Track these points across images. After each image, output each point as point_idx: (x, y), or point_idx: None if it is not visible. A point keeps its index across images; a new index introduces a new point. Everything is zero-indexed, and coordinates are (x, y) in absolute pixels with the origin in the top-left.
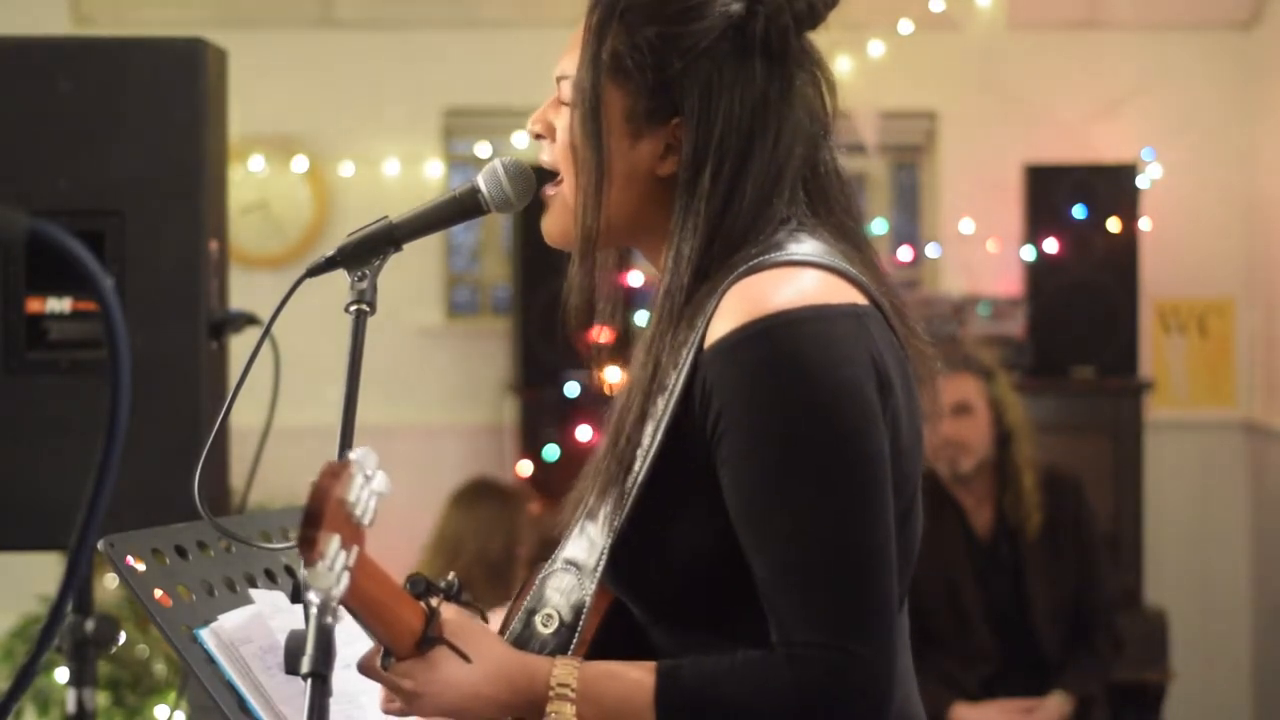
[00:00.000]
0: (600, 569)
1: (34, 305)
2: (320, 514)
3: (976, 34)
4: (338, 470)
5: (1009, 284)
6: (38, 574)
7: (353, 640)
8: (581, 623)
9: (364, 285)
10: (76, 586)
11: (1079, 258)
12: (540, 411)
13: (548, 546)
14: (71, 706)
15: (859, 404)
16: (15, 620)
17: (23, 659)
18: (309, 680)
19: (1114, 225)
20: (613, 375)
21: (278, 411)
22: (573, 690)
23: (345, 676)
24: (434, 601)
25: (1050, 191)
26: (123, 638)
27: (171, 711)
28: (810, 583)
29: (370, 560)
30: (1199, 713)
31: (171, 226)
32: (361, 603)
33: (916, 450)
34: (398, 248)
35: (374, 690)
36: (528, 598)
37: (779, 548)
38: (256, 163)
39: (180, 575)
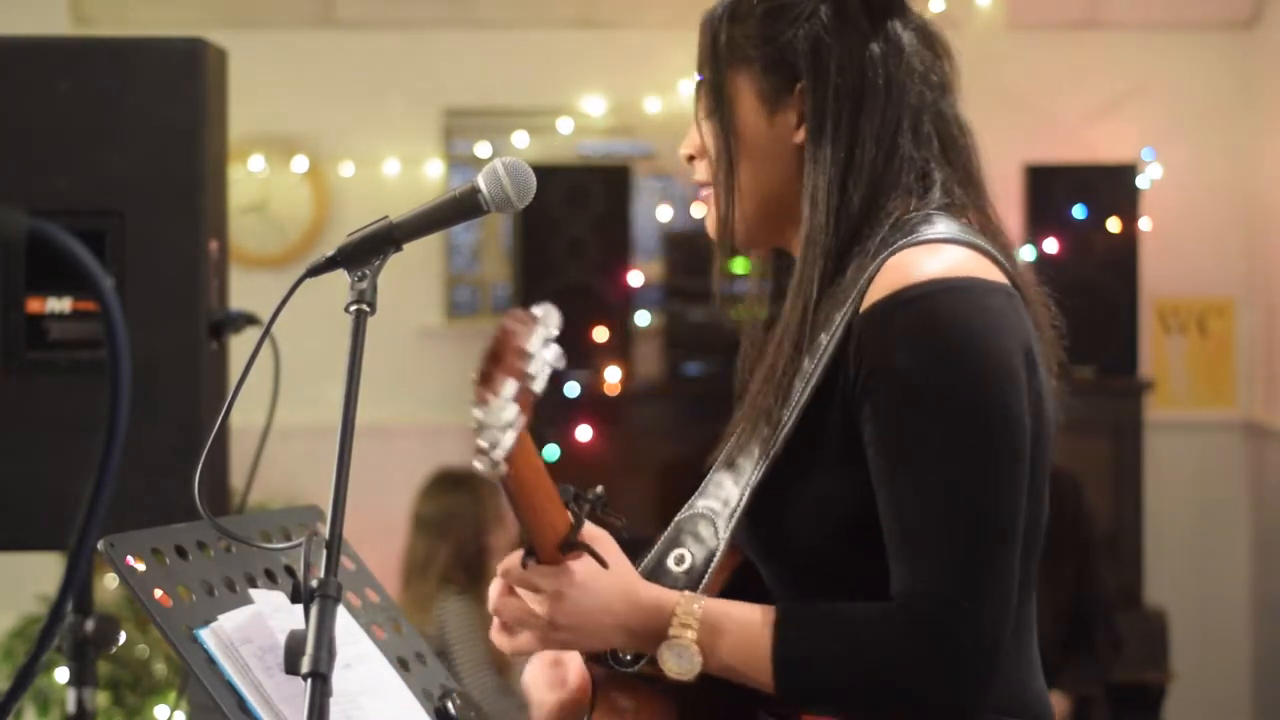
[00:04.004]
0: (735, 519)
1: (34, 305)
2: (502, 353)
3: (976, 34)
4: (525, 319)
5: None
6: (38, 574)
7: (353, 640)
8: (711, 568)
9: (364, 285)
10: (76, 586)
11: (1079, 258)
12: (540, 411)
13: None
14: (71, 706)
15: (1007, 374)
16: (15, 620)
17: (23, 659)
18: (309, 680)
19: (1114, 225)
20: (613, 374)
21: (278, 411)
22: (695, 619)
23: (345, 676)
24: (582, 509)
25: (1050, 191)
26: (123, 638)
27: (171, 711)
28: (934, 537)
29: (531, 443)
30: (1199, 713)
31: (171, 226)
32: (518, 480)
33: (1049, 435)
34: (398, 248)
35: (374, 690)
36: (662, 538)
37: (910, 501)
38: (256, 163)
39: (180, 575)
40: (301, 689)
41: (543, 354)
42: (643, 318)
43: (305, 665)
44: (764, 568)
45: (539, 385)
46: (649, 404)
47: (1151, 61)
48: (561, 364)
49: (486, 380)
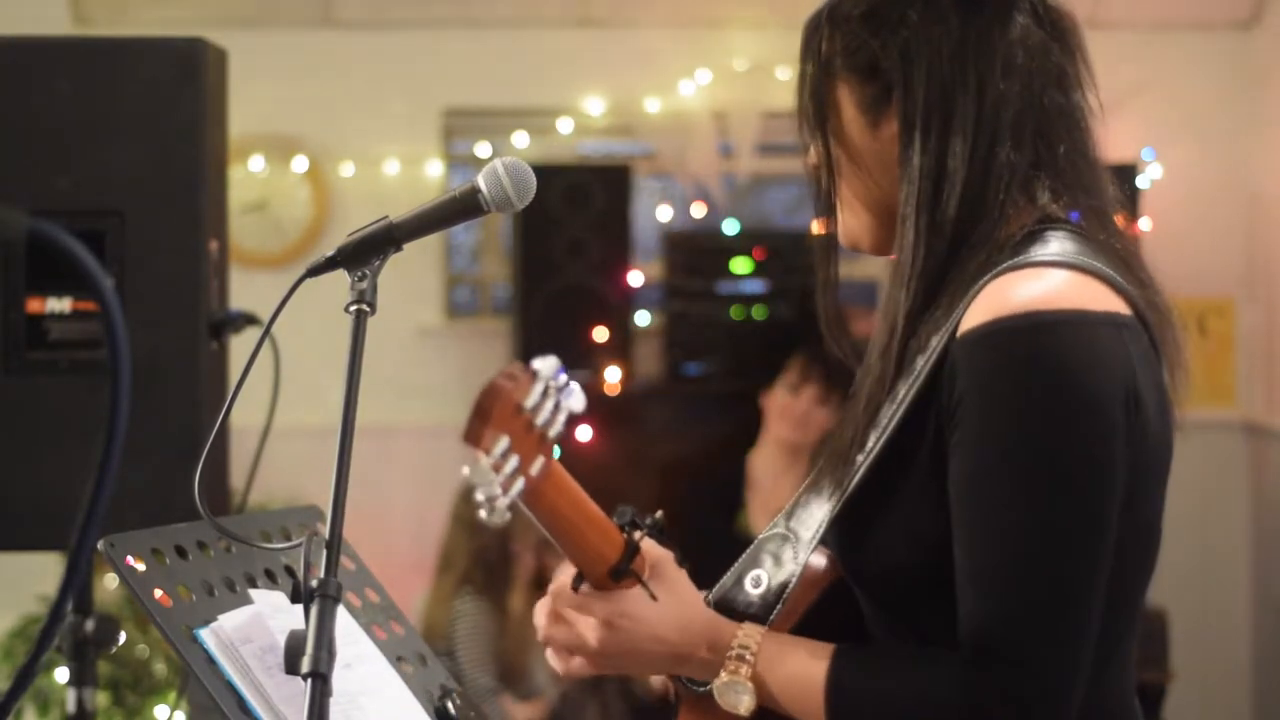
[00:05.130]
0: (814, 544)
1: (34, 305)
2: (488, 411)
3: None
4: (516, 374)
5: None
6: (38, 574)
7: (353, 640)
8: (786, 593)
9: (364, 285)
10: (76, 586)
11: None
12: None
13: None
14: (71, 706)
15: (1101, 419)
16: (15, 620)
17: (23, 659)
18: (309, 680)
19: None
20: (613, 374)
21: (278, 411)
22: (752, 654)
23: (345, 676)
24: (636, 536)
25: None
26: (123, 638)
27: (171, 711)
28: (1002, 583)
29: (566, 478)
30: (1199, 713)
31: (171, 226)
32: (551, 518)
33: (1156, 468)
34: (398, 247)
35: (374, 690)
36: (743, 556)
37: (981, 542)
38: (256, 163)
39: (180, 575)
40: (301, 689)
41: (555, 400)
42: (643, 318)
43: (305, 665)
44: (856, 592)
45: (555, 430)
46: (649, 404)
47: (1151, 61)
48: (581, 407)
49: (474, 438)
